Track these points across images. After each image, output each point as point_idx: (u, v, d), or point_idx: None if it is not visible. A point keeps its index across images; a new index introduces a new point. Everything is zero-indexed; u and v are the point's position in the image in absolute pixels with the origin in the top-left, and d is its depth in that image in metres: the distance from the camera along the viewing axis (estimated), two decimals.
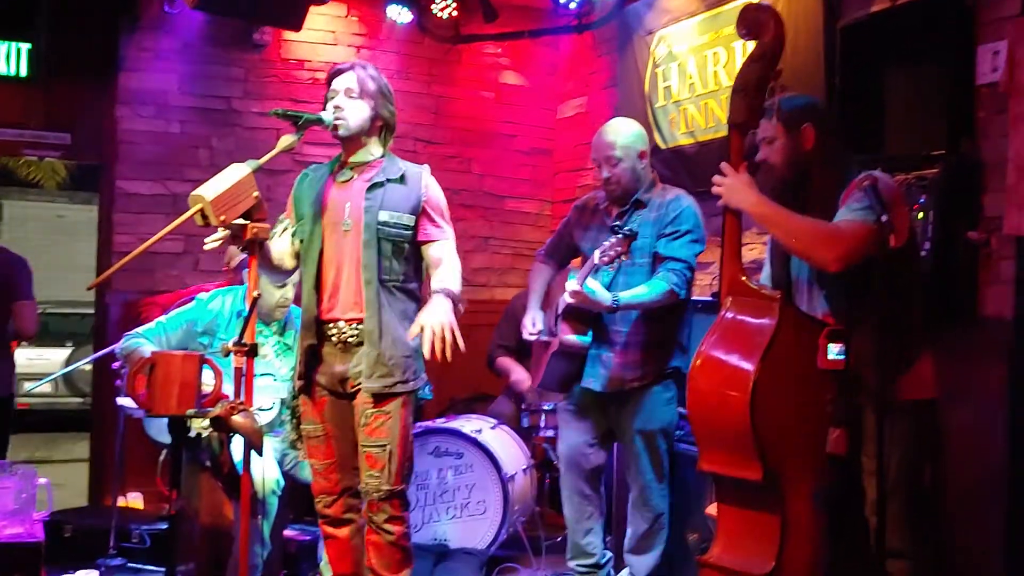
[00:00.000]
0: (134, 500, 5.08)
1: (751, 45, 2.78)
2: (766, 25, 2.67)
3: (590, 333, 3.79)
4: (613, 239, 3.56)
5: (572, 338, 3.78)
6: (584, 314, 3.75)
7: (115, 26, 5.53)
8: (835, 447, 2.49)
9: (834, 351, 2.46)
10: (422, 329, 3.09)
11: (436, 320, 3.09)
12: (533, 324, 3.90)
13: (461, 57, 6.41)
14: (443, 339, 3.05)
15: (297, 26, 5.46)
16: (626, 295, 3.63)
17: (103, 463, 5.45)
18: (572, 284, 3.58)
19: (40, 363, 10.29)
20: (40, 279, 4.88)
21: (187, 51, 5.66)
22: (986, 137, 3.63)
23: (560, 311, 3.83)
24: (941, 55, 3.79)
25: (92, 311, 10.38)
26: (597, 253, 3.59)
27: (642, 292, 3.65)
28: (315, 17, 5.77)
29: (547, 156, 6.70)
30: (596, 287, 3.58)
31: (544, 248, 4.24)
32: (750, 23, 2.72)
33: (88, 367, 5.13)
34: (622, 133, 3.87)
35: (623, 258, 3.58)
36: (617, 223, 3.69)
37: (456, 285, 3.27)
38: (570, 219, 4.10)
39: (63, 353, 10.48)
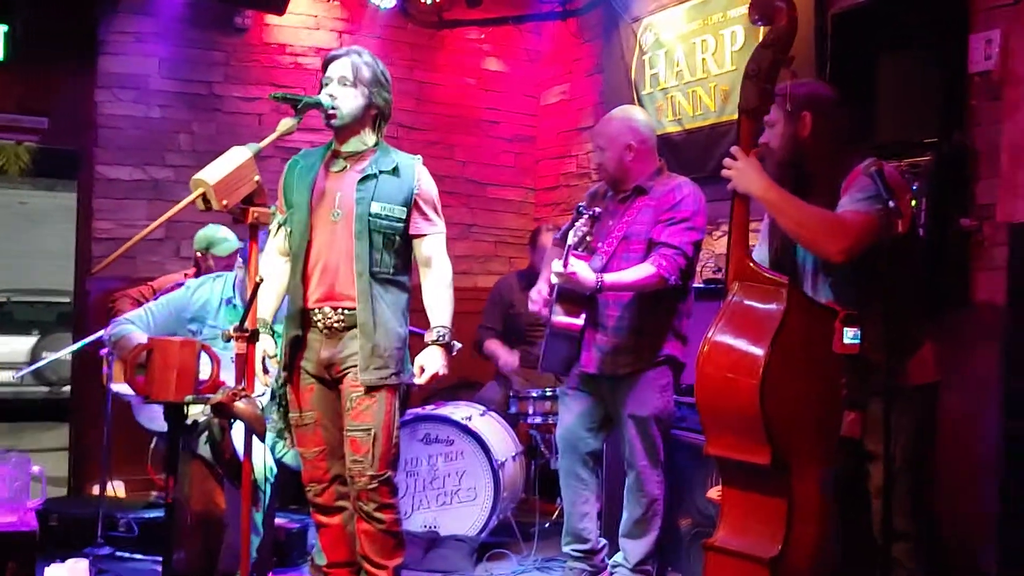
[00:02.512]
0: (116, 489, 5.01)
1: (754, 31, 2.79)
2: (779, 11, 2.67)
3: (583, 316, 3.79)
4: (580, 220, 3.60)
5: (562, 319, 3.78)
6: (577, 296, 3.75)
7: (94, 8, 5.45)
8: (851, 430, 2.51)
9: (849, 335, 2.48)
10: (422, 369, 3.36)
11: (434, 367, 3.36)
12: (539, 294, 3.88)
13: (444, 43, 6.39)
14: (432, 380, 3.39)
15: (280, 9, 5.43)
16: (611, 276, 3.63)
17: (84, 452, 5.38)
18: (556, 265, 3.59)
19: (5, 351, 10.15)
20: (3, 267, 4.79)
21: (167, 34, 5.59)
22: (978, 125, 3.68)
23: (554, 293, 3.83)
24: (933, 43, 3.82)
25: (58, 299, 10.33)
26: (571, 235, 3.61)
27: (627, 274, 3.66)
28: (297, 1, 5.75)
29: (530, 143, 6.70)
30: (580, 268, 3.57)
31: (560, 232, 4.23)
32: (763, 8, 2.71)
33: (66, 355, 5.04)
34: (612, 124, 3.90)
35: (589, 238, 3.59)
36: (581, 204, 3.70)
37: (448, 317, 3.40)
38: (582, 205, 4.10)
39: (29, 341, 10.33)
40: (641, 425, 3.78)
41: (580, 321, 3.76)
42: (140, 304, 4.36)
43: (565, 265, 3.54)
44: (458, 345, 3.42)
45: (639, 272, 3.65)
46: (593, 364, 3.83)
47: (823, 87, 3.06)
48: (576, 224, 3.61)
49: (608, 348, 3.80)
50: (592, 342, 3.83)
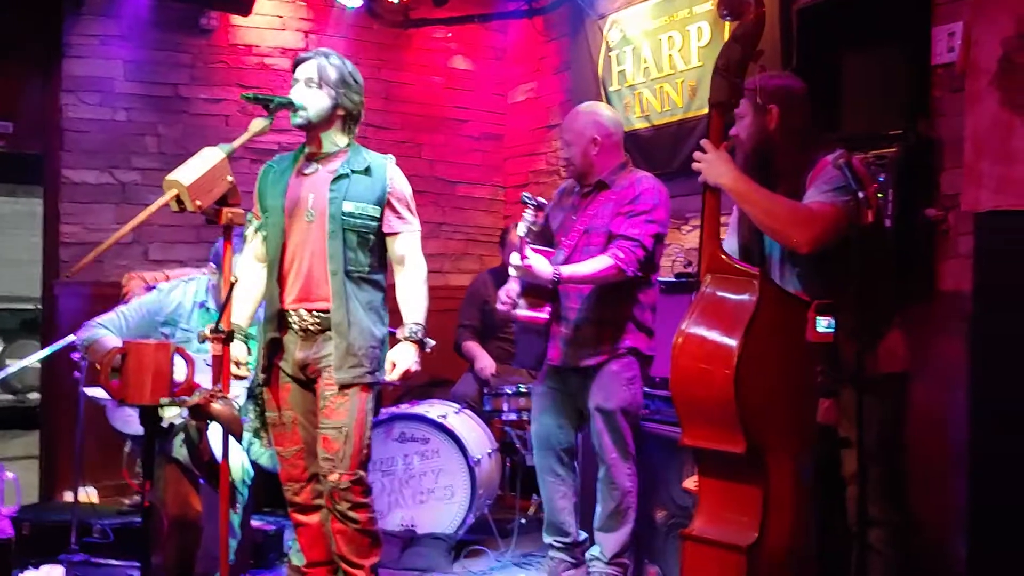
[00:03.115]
0: (89, 494, 4.97)
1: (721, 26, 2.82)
2: (747, 6, 2.71)
3: (547, 309, 3.83)
4: (527, 211, 3.65)
5: (525, 313, 3.83)
6: (540, 290, 3.79)
7: (58, 11, 5.38)
8: (826, 417, 2.55)
9: (823, 324, 2.51)
10: (394, 365, 3.33)
11: (406, 364, 3.34)
12: (507, 295, 3.91)
13: (411, 42, 6.38)
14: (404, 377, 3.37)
15: (246, 10, 5.39)
16: (568, 269, 3.68)
17: (55, 458, 5.32)
18: (515, 258, 3.62)
19: None
20: None
21: (132, 37, 5.53)
22: (942, 116, 3.73)
23: (520, 288, 3.86)
24: (897, 36, 3.88)
25: (21, 306, 10.18)
26: (520, 226, 3.66)
27: (584, 266, 3.70)
28: (263, 2, 5.73)
29: (498, 141, 6.71)
30: (536, 261, 3.62)
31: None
32: (731, 4, 2.75)
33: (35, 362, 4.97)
34: (577, 119, 3.95)
35: (535, 227, 3.66)
36: (527, 194, 3.75)
37: (422, 314, 3.39)
38: (552, 202, 4.15)
39: None
40: (608, 418, 3.81)
41: (544, 315, 3.81)
42: (151, 287, 4.33)
43: (522, 258, 3.58)
44: (431, 342, 3.42)
45: (596, 264, 3.69)
46: (557, 356, 3.88)
47: (792, 80, 3.10)
48: (524, 215, 3.66)
49: (570, 339, 3.84)
50: (557, 335, 3.88)
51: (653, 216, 3.77)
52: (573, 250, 3.83)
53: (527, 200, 3.66)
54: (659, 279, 4.19)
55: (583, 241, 3.83)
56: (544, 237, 4.03)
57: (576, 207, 3.93)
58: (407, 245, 3.42)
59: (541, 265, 3.62)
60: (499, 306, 3.96)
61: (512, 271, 3.68)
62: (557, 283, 3.67)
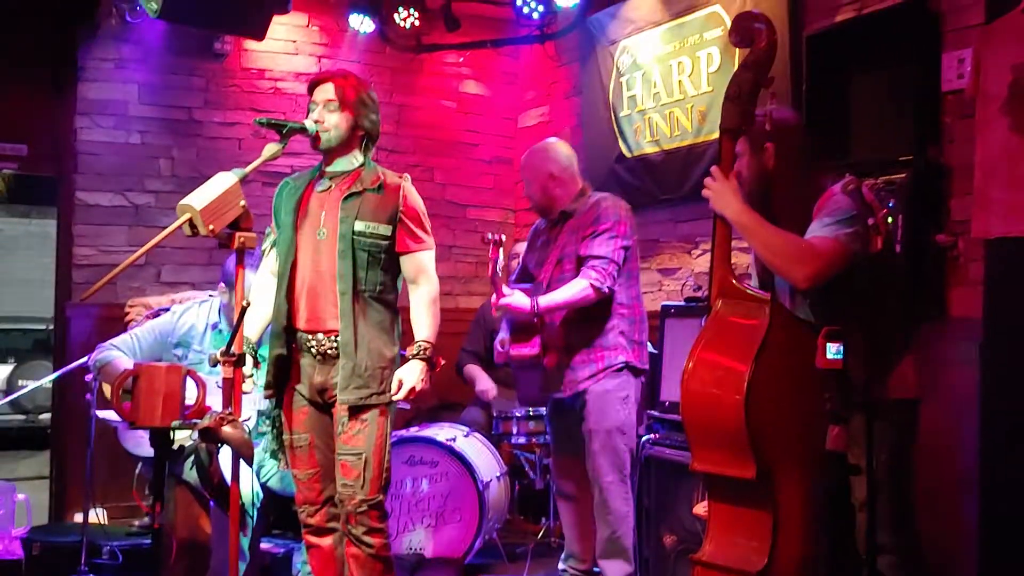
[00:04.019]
0: (99, 516, 4.97)
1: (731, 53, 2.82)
2: (759, 33, 2.71)
3: (536, 342, 3.87)
4: (490, 251, 3.76)
5: (516, 350, 3.91)
6: (526, 326, 3.85)
7: (74, 35, 5.45)
8: (835, 444, 2.54)
9: (832, 351, 2.51)
10: (400, 383, 3.28)
11: (412, 382, 3.28)
12: (500, 345, 3.99)
13: (423, 67, 6.42)
14: (411, 395, 3.31)
15: (260, 35, 5.42)
16: (545, 298, 3.77)
17: (65, 479, 5.33)
18: (494, 299, 3.73)
19: None
20: None
21: (147, 60, 5.60)
22: (951, 142, 3.74)
23: (508, 329, 3.93)
24: (907, 63, 3.89)
25: (33, 326, 10.23)
26: (490, 267, 3.77)
27: (560, 293, 3.78)
28: (276, 27, 5.72)
29: (509, 165, 6.72)
30: (513, 295, 3.74)
31: (514, 274, 4.33)
32: (743, 31, 2.75)
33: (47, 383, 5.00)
34: (533, 156, 4.07)
35: (499, 263, 3.75)
36: (489, 234, 3.83)
37: (432, 332, 3.37)
38: (526, 244, 4.27)
39: (5, 369, 10.22)
40: (604, 439, 3.83)
41: (534, 349, 3.87)
42: (156, 313, 4.36)
43: (499, 297, 3.68)
44: (440, 361, 3.42)
45: (572, 288, 3.76)
46: (556, 387, 3.92)
47: (786, 113, 3.09)
48: (491, 255, 3.76)
49: (564, 368, 3.88)
50: (551, 365, 3.91)
51: (616, 231, 3.84)
52: (549, 281, 3.90)
53: (486, 240, 3.78)
54: (671, 303, 4.21)
55: (556, 272, 3.91)
56: (525, 278, 4.09)
57: (548, 242, 4.02)
58: (419, 263, 3.40)
59: (518, 299, 3.74)
60: (496, 359, 4.05)
61: (495, 311, 3.80)
62: (537, 313, 3.74)
